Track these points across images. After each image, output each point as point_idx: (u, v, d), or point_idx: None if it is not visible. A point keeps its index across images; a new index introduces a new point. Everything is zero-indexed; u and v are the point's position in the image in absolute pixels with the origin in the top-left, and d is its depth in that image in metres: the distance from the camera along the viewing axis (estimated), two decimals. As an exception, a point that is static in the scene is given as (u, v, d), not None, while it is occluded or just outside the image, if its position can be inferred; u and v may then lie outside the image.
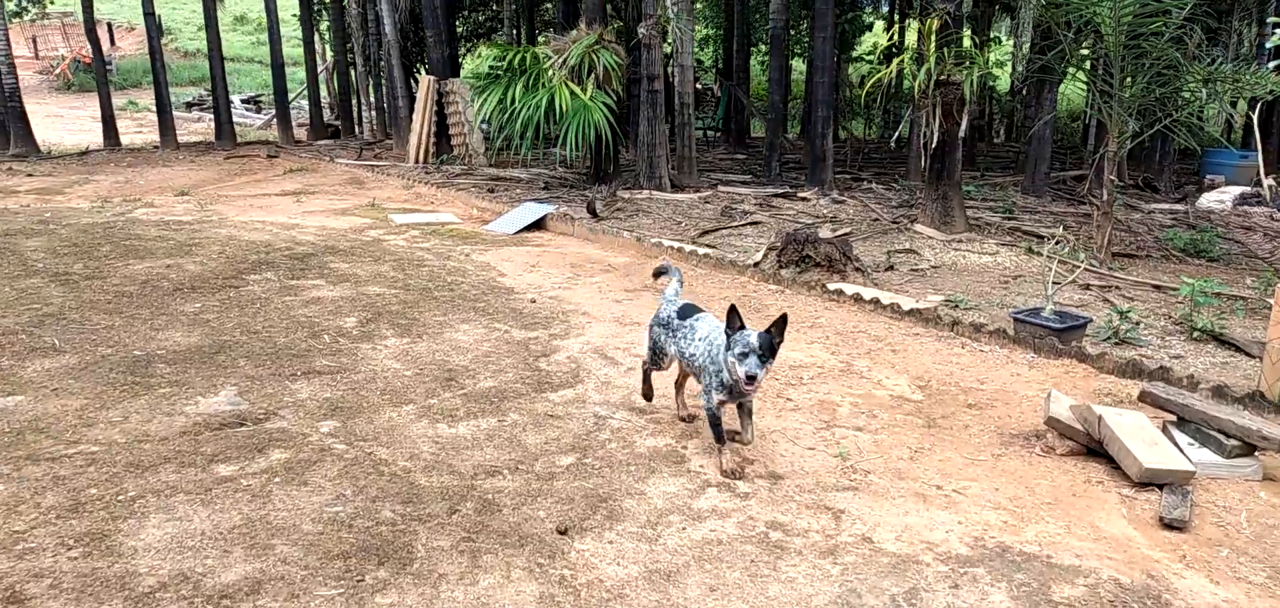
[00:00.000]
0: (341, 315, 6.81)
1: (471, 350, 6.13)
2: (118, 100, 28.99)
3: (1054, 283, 6.64)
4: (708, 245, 9.92)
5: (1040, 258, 9.57)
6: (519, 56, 13.21)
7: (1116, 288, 8.56)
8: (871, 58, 21.15)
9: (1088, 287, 8.21)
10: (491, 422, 4.97)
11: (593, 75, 13.12)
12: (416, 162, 15.82)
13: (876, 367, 6.05)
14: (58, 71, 40.11)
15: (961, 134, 10.74)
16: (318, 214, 10.99)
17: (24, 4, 24.49)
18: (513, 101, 12.87)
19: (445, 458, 4.49)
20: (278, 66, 19.97)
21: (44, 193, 12.00)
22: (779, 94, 15.86)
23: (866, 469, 4.50)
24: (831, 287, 7.66)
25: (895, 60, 10.76)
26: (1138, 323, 7.11)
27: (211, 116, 22.05)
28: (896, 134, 12.65)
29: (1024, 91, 15.22)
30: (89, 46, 20.98)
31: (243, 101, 34.65)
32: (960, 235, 10.81)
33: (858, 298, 7.30)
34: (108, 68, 33.31)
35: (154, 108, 28.87)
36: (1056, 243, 7.21)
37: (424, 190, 12.89)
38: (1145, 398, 4.98)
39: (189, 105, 33.48)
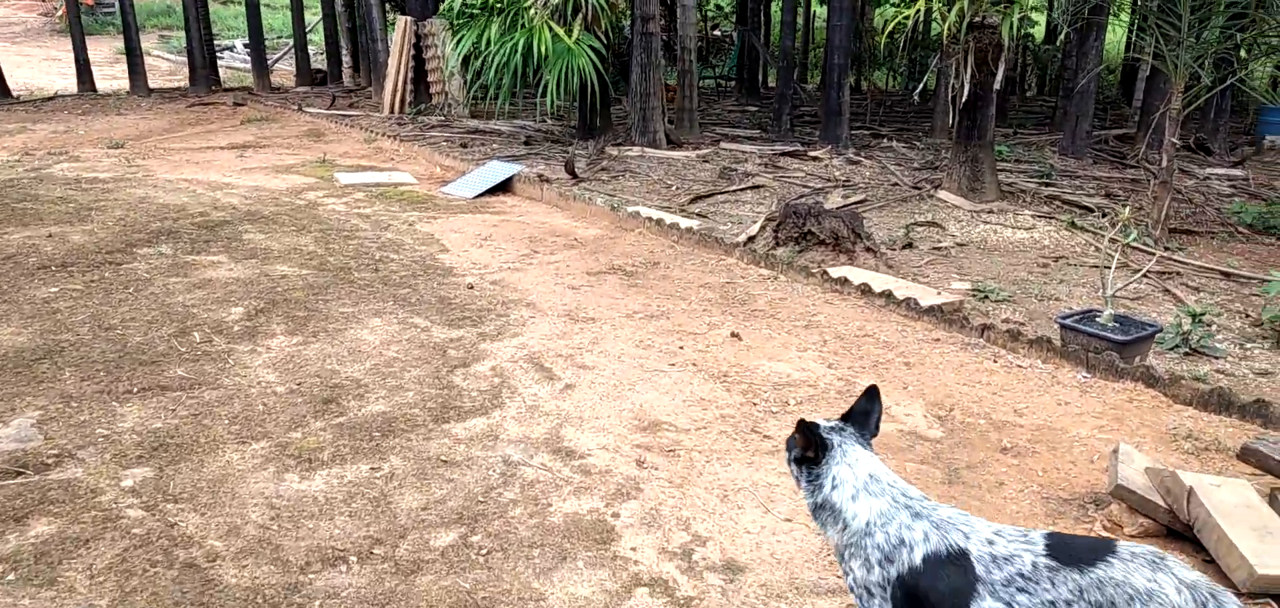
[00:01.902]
0: (228, 304, 5.55)
1: (373, 356, 4.86)
2: (116, 43, 27.77)
3: (1114, 278, 5.26)
4: (697, 214, 8.57)
5: (1085, 234, 8.16)
6: (496, -8, 11.79)
7: (1177, 275, 7.16)
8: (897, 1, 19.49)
9: (1144, 274, 6.83)
10: (361, 470, 3.70)
11: (579, 15, 11.68)
12: (391, 111, 14.47)
13: (885, 387, 4.71)
14: (59, 14, 38.83)
15: (996, 86, 9.27)
16: (257, 171, 9.70)
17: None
18: (488, 44, 11.47)
19: (276, 535, 3.24)
20: (252, 6, 18.57)
21: (-36, 142, 10.80)
22: (790, 37, 14.34)
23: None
24: (835, 273, 6.31)
25: (918, 3, 9.30)
26: (1212, 327, 5.74)
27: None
28: (920, 86, 11.13)
29: (1065, 36, 13.60)
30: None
31: (244, 46, 33.31)
32: (990, 205, 9.39)
33: (866, 290, 5.95)
34: (105, 10, 31.98)
35: (157, 51, 27.63)
36: (1121, 227, 5.79)
37: (387, 144, 11.55)
38: (1248, 458, 3.64)
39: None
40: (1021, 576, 2.02)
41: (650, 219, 7.68)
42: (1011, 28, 8.92)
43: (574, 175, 9.89)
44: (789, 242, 7.27)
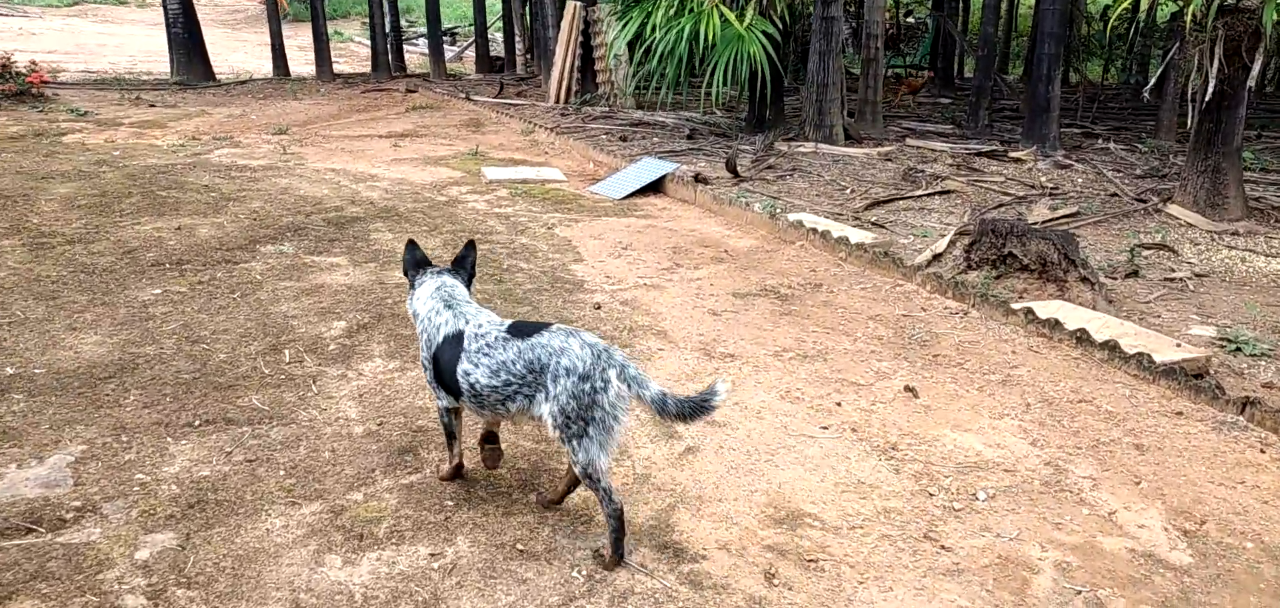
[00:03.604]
0: (332, 316, 5.01)
1: (469, 393, 4.15)
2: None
3: None
4: (873, 224, 7.45)
5: (1374, 269, 6.45)
6: (662, -27, 10.96)
7: None
8: (1118, -18, 17.22)
9: None
10: (419, 555, 2.97)
11: (753, -1, 10.70)
12: (556, 101, 13.98)
13: (1107, 481, 3.56)
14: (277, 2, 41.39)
15: (1250, 83, 7.60)
16: (406, 162, 9.33)
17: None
18: (653, 30, 10.68)
19: (287, 649, 2.54)
20: (429, -10, 18.68)
21: (145, 126, 11.06)
22: (992, 23, 12.76)
23: None
24: (1043, 311, 5.08)
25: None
26: None
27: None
28: (1152, 82, 9.42)
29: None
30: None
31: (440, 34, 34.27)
32: (1236, 225, 7.73)
33: (1083, 338, 4.71)
34: (320, -1, 33.87)
35: (359, 38, 28.83)
36: None
37: (543, 137, 10.99)
38: None
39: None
40: (488, 345, 3.03)
41: (814, 230, 6.64)
42: (1275, 12, 7.24)
43: (736, 174, 8.95)
44: (983, 265, 6.06)
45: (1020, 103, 15.80)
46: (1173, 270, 6.56)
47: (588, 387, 2.85)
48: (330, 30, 33.94)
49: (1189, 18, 7.51)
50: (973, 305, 5.34)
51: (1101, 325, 4.96)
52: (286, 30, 33.34)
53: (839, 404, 4.12)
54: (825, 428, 3.90)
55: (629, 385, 2.90)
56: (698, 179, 8.46)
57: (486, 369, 3.00)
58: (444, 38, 31.33)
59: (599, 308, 5.29)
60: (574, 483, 3.15)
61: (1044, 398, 4.22)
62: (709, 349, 4.74)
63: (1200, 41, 7.52)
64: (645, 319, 5.13)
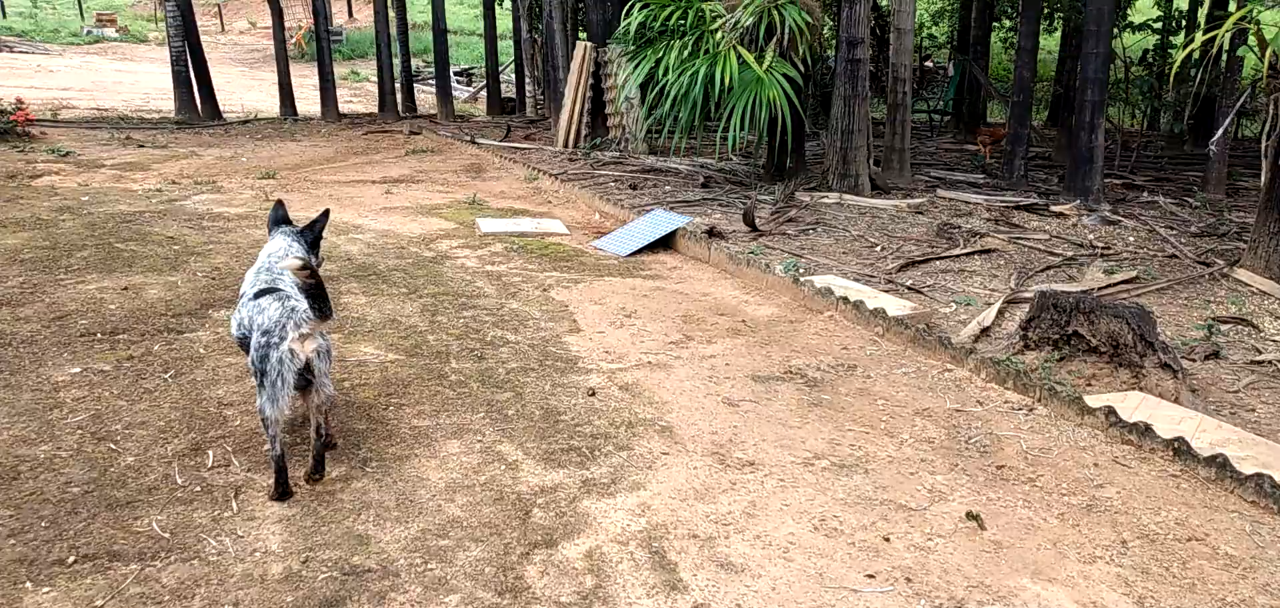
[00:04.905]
0: (275, 404, 4.22)
1: (425, 515, 3.34)
2: (341, 70, 28.85)
3: None
4: (908, 287, 6.62)
5: None
6: (676, 11, 10.26)
7: None
8: (1156, 24, 16.42)
9: None
10: None
11: (774, 39, 9.96)
12: (565, 144, 13.25)
13: (1250, 666, 2.70)
14: (293, 41, 41.21)
15: (1332, 134, 6.78)
16: (397, 212, 8.58)
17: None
18: (665, 72, 9.96)
19: None
20: (439, 33, 18.09)
21: (127, 169, 10.38)
22: (1028, 69, 11.96)
23: None
24: (1126, 412, 4.22)
25: (1228, 22, 6.91)
26: None
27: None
28: (1220, 133, 8.57)
29: None
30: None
31: (455, 74, 33.97)
32: (1320, 293, 6.87)
33: (1181, 450, 3.84)
34: (336, 38, 33.56)
35: (371, 77, 28.46)
36: None
37: (547, 184, 10.23)
38: None
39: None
40: (244, 303, 3.52)
41: (845, 299, 5.82)
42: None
43: (753, 227, 8.16)
44: (1043, 345, 5.22)
45: (1051, 150, 14.98)
46: (1258, 351, 5.69)
47: (265, 342, 3.28)
48: (349, 70, 33.68)
49: (1266, 64, 6.71)
50: (1039, 400, 4.49)
51: (1197, 427, 4.11)
52: (303, 70, 33.09)
53: (887, 539, 3.28)
54: (871, 577, 3.05)
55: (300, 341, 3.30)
56: (713, 233, 7.67)
57: (235, 321, 3.57)
58: (460, 79, 30.91)
59: (593, 394, 4.48)
60: (320, 448, 3.52)
61: (1143, 533, 3.36)
62: (724, 453, 3.91)
63: (1278, 90, 6.71)
64: (648, 410, 4.31)
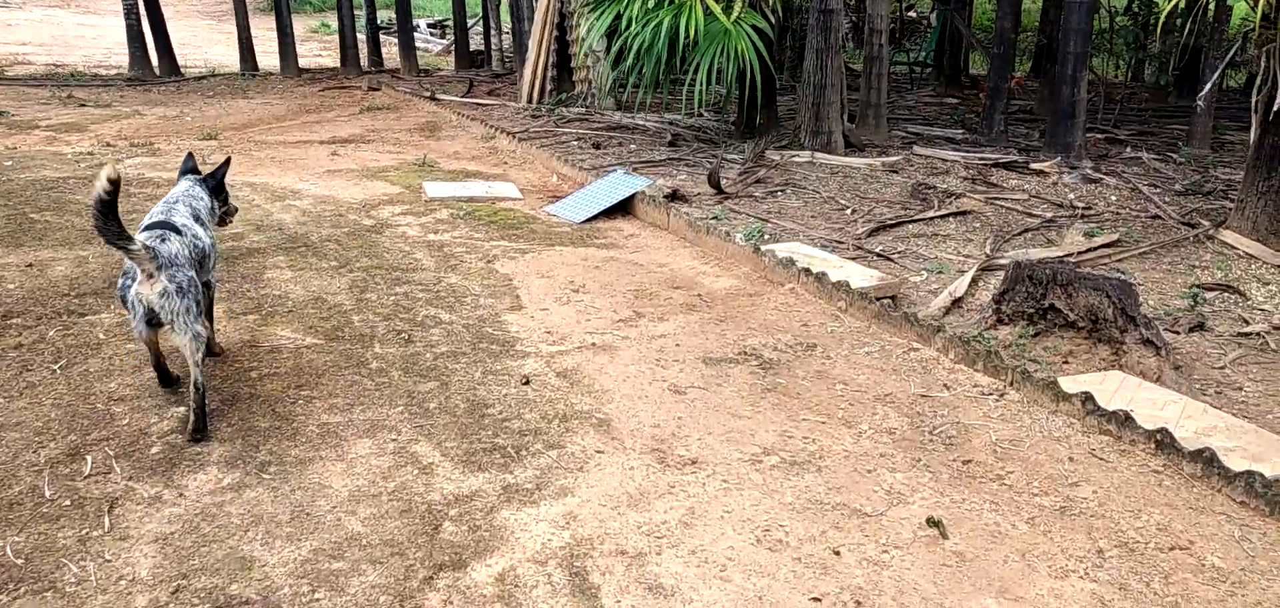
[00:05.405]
0: (172, 399, 3.83)
1: (324, 528, 2.96)
2: (311, 22, 28.02)
3: None
4: (877, 254, 6.26)
5: None
6: (640, -40, 9.75)
7: None
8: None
9: None
10: None
11: (743, -11, 9.48)
12: (529, 100, 12.74)
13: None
14: (264, -9, 40.00)
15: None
16: (341, 175, 8.11)
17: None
18: (629, 24, 9.47)
19: None
20: (399, -18, 17.44)
21: (63, 130, 9.83)
22: (1010, 18, 11.52)
23: None
24: (1105, 399, 3.87)
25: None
26: None
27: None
28: (1208, 87, 8.21)
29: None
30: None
31: (429, 26, 33.09)
32: (1307, 256, 6.55)
33: (1164, 443, 3.50)
34: (307, -12, 32.61)
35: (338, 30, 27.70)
36: None
37: (504, 144, 9.76)
38: None
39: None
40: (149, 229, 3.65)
41: (807, 271, 5.43)
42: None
43: (719, 189, 7.76)
44: (1017, 319, 4.87)
45: (1033, 103, 14.58)
46: (1245, 322, 5.37)
47: (123, 281, 3.60)
48: (319, 23, 32.74)
49: (1258, 15, 6.32)
50: (1010, 384, 4.14)
51: (1181, 414, 3.77)
52: (268, 22, 32.07)
53: (837, 553, 2.93)
54: (816, 601, 2.70)
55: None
56: (675, 197, 7.26)
57: None
58: (434, 31, 30.06)
59: (527, 383, 4.10)
60: (199, 401, 3.52)
61: (1122, 542, 3.02)
62: (665, 450, 3.54)
63: (1270, 41, 6.33)
64: (586, 401, 3.93)
